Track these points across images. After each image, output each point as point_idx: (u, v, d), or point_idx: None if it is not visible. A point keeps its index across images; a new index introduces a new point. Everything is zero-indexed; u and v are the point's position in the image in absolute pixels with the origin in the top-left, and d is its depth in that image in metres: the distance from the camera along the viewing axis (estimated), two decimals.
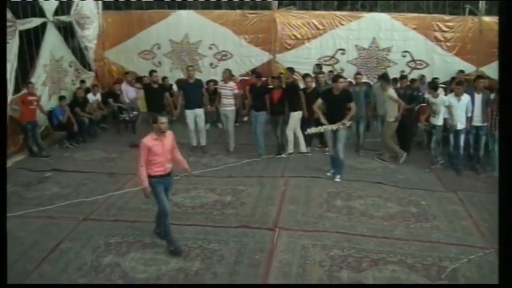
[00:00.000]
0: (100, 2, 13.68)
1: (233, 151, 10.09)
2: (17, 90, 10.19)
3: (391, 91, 9.14)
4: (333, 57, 12.74)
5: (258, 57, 13.22)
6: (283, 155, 9.69)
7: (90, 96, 11.82)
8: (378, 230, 6.48)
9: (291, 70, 11.34)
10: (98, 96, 12.16)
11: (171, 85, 12.47)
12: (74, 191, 8.08)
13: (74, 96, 11.47)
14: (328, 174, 8.51)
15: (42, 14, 11.15)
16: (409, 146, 9.51)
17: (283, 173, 8.74)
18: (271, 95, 9.53)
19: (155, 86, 10.05)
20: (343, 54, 12.66)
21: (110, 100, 12.11)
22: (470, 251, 5.87)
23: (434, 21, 12.04)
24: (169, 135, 6.05)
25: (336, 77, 8.44)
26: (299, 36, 12.91)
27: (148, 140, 5.79)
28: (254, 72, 10.51)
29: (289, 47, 13.05)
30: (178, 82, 12.46)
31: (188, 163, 9.01)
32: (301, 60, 12.87)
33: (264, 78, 10.28)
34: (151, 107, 9.98)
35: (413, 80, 10.22)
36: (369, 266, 5.57)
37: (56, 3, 11.69)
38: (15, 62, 10.08)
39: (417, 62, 12.24)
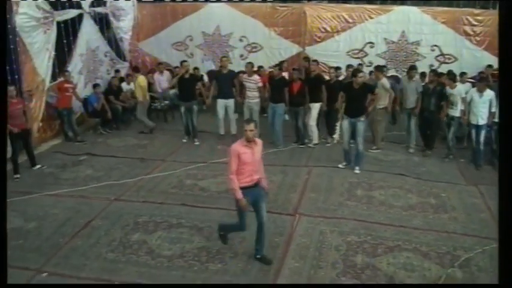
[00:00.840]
0: None
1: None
2: (54, 78, 10.72)
3: (385, 80, 9.49)
4: (361, 50, 12.81)
5: (288, 49, 13.38)
6: (310, 145, 9.92)
7: (124, 85, 12.25)
8: (395, 219, 6.69)
9: (315, 62, 11.44)
10: (132, 86, 12.59)
11: (202, 75, 12.81)
12: (106, 174, 8.56)
13: (109, 85, 11.94)
14: (340, 166, 8.69)
15: (78, 5, 11.63)
16: (433, 141, 9.57)
17: (307, 163, 8.99)
18: (291, 87, 9.73)
19: (186, 76, 10.40)
20: (372, 47, 12.71)
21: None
22: (485, 242, 6.01)
23: (463, 15, 11.94)
24: (259, 144, 5.56)
25: (355, 71, 8.67)
26: (329, 29, 13.01)
27: (239, 146, 5.34)
28: (277, 64, 10.69)
29: (318, 40, 13.16)
30: (210, 73, 12.84)
31: (216, 152, 9.56)
32: (330, 53, 12.99)
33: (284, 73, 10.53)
34: (182, 96, 10.36)
35: (441, 74, 10.26)
36: (384, 252, 5.80)
37: None
38: (53, 51, 10.64)
39: (446, 56, 12.20)
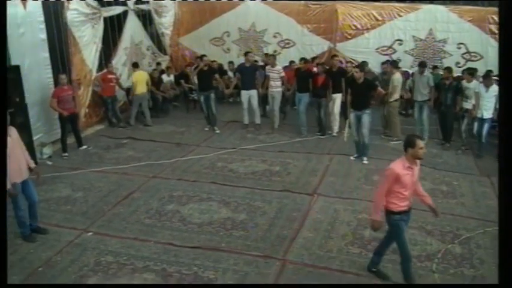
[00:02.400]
0: None
1: (277, 129, 11.17)
2: (100, 68, 11.67)
3: (398, 75, 10.07)
4: (390, 47, 13.28)
5: (319, 45, 13.96)
6: (333, 134, 10.54)
7: (164, 76, 13.13)
8: None
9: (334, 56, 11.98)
10: (172, 78, 13.46)
11: (220, 67, 13.67)
12: (145, 155, 9.45)
13: (150, 76, 12.81)
14: (352, 158, 9.20)
15: (124, 2, 12.57)
16: (450, 134, 10.05)
17: (330, 151, 9.61)
18: (315, 79, 10.38)
19: (205, 68, 11.13)
20: (400, 44, 13.15)
21: (182, 81, 13.33)
22: (488, 225, 6.49)
23: (489, 14, 12.18)
24: (418, 163, 4.98)
25: (357, 67, 9.36)
26: (359, 26, 13.52)
27: (399, 167, 4.77)
28: (303, 58, 11.38)
29: (349, 37, 13.70)
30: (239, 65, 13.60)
31: (246, 139, 10.30)
32: (360, 49, 13.51)
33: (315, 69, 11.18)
34: (201, 87, 11.16)
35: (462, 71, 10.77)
36: None
37: None
38: (100, 44, 11.62)
39: (472, 54, 12.53)
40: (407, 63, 12.71)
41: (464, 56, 12.61)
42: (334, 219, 6.66)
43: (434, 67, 11.59)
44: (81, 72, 10.98)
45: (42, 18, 9.81)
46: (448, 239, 6.18)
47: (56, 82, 9.94)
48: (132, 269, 5.48)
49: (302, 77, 10.67)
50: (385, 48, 13.37)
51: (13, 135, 5.91)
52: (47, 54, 10.01)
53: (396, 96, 10.15)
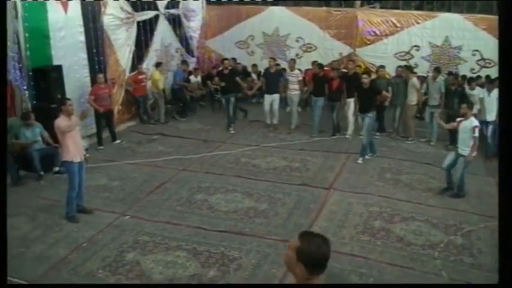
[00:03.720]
0: None
1: (295, 128, 11.82)
2: (133, 69, 12.46)
3: (415, 79, 10.70)
4: (408, 53, 13.80)
5: (340, 50, 14.57)
6: (346, 136, 11.13)
7: (192, 77, 13.88)
8: (414, 197, 7.87)
9: (353, 61, 12.57)
10: (199, 78, 14.21)
11: (244, 69, 14.46)
12: (175, 150, 10.23)
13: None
14: (366, 157, 9.71)
15: (155, 7, 13.37)
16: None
17: (347, 150, 10.24)
18: (330, 84, 11.01)
19: (226, 71, 11.84)
20: (417, 50, 13.67)
21: (208, 82, 14.06)
22: (490, 221, 7.01)
23: None
24: None
25: (362, 73, 10.07)
26: (378, 32, 14.09)
27: None
28: (318, 63, 12.11)
29: (368, 42, 14.27)
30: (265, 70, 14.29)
31: (268, 137, 11.00)
32: (378, 54, 14.07)
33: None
34: (222, 89, 11.82)
35: (463, 77, 11.42)
36: (399, 221, 7.04)
37: None
38: (133, 47, 12.44)
39: (486, 60, 12.95)
40: (424, 69, 13.21)
41: (479, 62, 13.06)
42: (348, 211, 7.31)
43: (450, 73, 12.08)
44: (116, 73, 11.79)
45: (81, 22, 10.61)
46: (451, 231, 6.78)
47: (93, 81, 10.78)
48: (166, 248, 6.24)
49: (318, 81, 11.34)
50: (403, 53, 13.88)
51: (74, 122, 6.94)
52: (85, 55, 10.82)
53: (414, 100, 10.74)
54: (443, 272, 5.78)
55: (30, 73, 9.43)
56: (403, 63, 13.31)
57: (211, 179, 8.55)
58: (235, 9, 15.59)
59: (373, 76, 11.39)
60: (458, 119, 7.90)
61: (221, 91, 11.97)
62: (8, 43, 9.27)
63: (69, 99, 7.35)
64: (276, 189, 8.06)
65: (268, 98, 11.77)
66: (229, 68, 12.11)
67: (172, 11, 14.13)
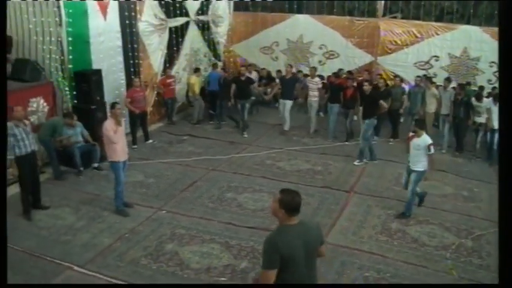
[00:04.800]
0: (232, 4, 16.43)
1: (313, 133, 12.43)
2: (165, 73, 13.13)
3: (434, 89, 11.29)
4: (427, 62, 14.26)
5: (361, 58, 15.05)
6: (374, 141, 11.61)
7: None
8: (430, 202, 8.36)
9: (368, 72, 13.34)
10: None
11: (268, 74, 15.20)
12: (204, 151, 10.91)
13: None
14: (364, 161, 10.31)
15: (186, 14, 14.05)
16: (462, 144, 11.15)
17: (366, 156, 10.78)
18: (345, 92, 11.58)
19: (242, 78, 12.47)
20: (436, 60, 14.12)
21: (233, 85, 14.67)
22: None
23: None
24: None
25: (366, 81, 10.71)
26: (399, 42, 14.56)
27: None
28: (335, 73, 12.84)
29: (389, 51, 14.76)
30: (281, 76, 14.89)
31: (291, 141, 11.59)
32: (399, 63, 14.56)
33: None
34: (239, 95, 12.40)
35: (480, 87, 11.96)
36: (414, 224, 7.60)
37: (198, 5, 14.54)
38: (165, 51, 13.14)
39: None
40: (442, 78, 13.66)
41: (496, 74, 13.41)
42: (367, 213, 7.89)
43: (467, 83, 12.51)
44: (148, 76, 12.51)
45: (118, 28, 11.31)
46: (463, 234, 7.31)
47: (128, 84, 11.50)
48: (201, 240, 6.90)
49: (334, 89, 11.98)
50: (423, 63, 14.34)
51: (120, 123, 7.63)
52: (121, 59, 11.52)
53: (433, 108, 11.26)
54: (453, 271, 6.32)
55: (72, 76, 10.17)
56: (423, 72, 13.82)
57: (239, 179, 9.19)
58: (261, 17, 16.23)
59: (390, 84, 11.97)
60: (410, 134, 7.91)
61: (237, 96, 12.51)
62: (52, 47, 10.10)
63: (118, 103, 8.02)
64: (300, 190, 8.38)
65: (282, 103, 12.39)
66: (245, 75, 12.72)
67: (202, 17, 14.79)
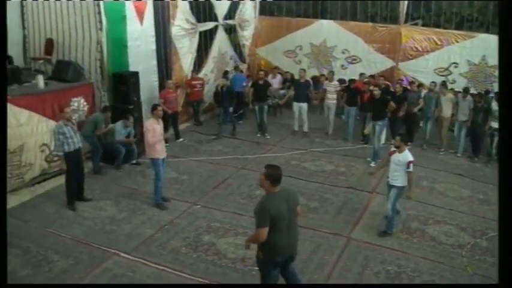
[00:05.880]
0: (257, 8, 17.03)
1: (331, 134, 13.03)
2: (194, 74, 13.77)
3: (450, 95, 11.78)
4: (447, 69, 14.66)
5: (383, 63, 15.52)
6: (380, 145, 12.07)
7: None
8: (447, 204, 8.91)
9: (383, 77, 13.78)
10: (250, 84, 15.44)
11: (292, 77, 15.55)
12: (232, 150, 11.55)
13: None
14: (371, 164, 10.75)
15: (215, 18, 14.69)
16: (479, 150, 11.56)
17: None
18: (362, 96, 12.12)
19: (260, 82, 13.04)
20: (456, 67, 14.50)
21: (251, 89, 15.07)
22: None
23: None
24: None
25: (376, 86, 11.29)
26: (420, 48, 14.98)
27: None
28: (362, 74, 13.55)
29: (410, 57, 15.20)
30: (313, 78, 15.42)
31: (315, 143, 12.13)
32: (419, 69, 14.99)
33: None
34: (256, 98, 12.97)
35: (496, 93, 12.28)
36: (433, 223, 8.12)
37: (226, 9, 15.16)
38: (195, 54, 13.79)
39: None
40: (461, 85, 14.02)
41: None
42: None
43: (487, 92, 12.90)
44: (179, 78, 13.17)
45: (153, 33, 11.95)
46: (478, 235, 7.81)
47: (161, 85, 12.16)
48: (235, 233, 7.54)
49: (350, 93, 12.52)
50: (442, 69, 14.73)
51: (160, 124, 8.34)
52: (155, 62, 12.17)
53: (449, 113, 11.76)
54: (468, 268, 6.84)
55: (111, 77, 10.85)
56: (442, 78, 14.20)
57: None
58: (285, 21, 16.79)
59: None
60: (392, 149, 7.82)
61: (255, 99, 13.03)
62: (92, 50, 10.82)
63: (159, 104, 8.68)
64: (325, 190, 9.26)
65: (296, 106, 12.91)
66: (264, 79, 13.34)
67: (229, 21, 15.41)
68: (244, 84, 14.30)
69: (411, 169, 7.44)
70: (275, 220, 4.74)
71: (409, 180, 7.52)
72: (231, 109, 12.56)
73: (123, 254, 6.99)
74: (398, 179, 7.53)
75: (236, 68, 15.00)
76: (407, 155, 7.47)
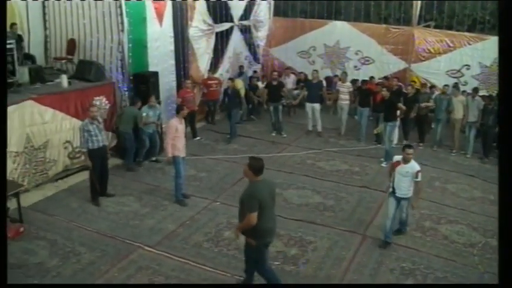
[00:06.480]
0: (272, 9, 17.31)
1: (344, 134, 13.26)
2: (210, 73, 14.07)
3: (461, 97, 12.01)
4: (459, 71, 14.81)
5: (396, 64, 15.70)
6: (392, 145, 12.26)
7: (259, 83, 15.37)
8: (459, 204, 9.15)
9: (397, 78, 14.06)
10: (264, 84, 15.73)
11: (306, 78, 15.56)
12: (248, 149, 11.85)
13: (250, 82, 15.03)
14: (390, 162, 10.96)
15: (231, 19, 14.98)
16: (489, 151, 11.75)
17: None
18: (375, 96, 12.34)
19: (274, 83, 13.31)
20: (468, 69, 14.66)
21: (251, 92, 14.96)
22: None
23: None
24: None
25: (385, 87, 11.60)
26: (432, 50, 15.20)
27: None
28: (364, 80, 13.57)
29: (423, 59, 15.39)
30: (327, 78, 15.69)
31: (329, 143, 12.39)
32: (431, 71, 15.19)
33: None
34: (271, 98, 13.23)
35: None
36: (445, 223, 8.37)
37: (242, 10, 15.46)
38: (211, 54, 14.09)
39: None
40: (472, 87, 14.25)
41: None
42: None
43: (489, 95, 13.01)
44: (196, 78, 13.46)
45: (172, 34, 12.26)
46: (489, 234, 8.02)
47: (178, 85, 12.47)
48: None
49: (363, 93, 12.78)
50: (454, 71, 14.90)
51: (183, 124, 8.71)
52: (173, 62, 12.47)
53: (460, 115, 11.97)
54: (479, 266, 7.08)
55: (131, 77, 11.17)
56: (454, 80, 14.40)
57: (283, 176, 10.07)
58: (299, 22, 17.07)
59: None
60: (395, 160, 7.56)
61: (269, 100, 13.29)
62: (114, 51, 11.13)
63: (184, 106, 9.03)
64: (340, 189, 9.53)
65: (309, 107, 13.18)
66: (277, 79, 13.62)
67: (244, 22, 15.70)
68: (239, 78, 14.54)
69: (419, 178, 7.31)
70: (262, 205, 5.44)
71: (418, 189, 7.43)
72: (235, 112, 12.69)
73: (147, 248, 7.31)
74: (406, 190, 7.35)
75: (255, 72, 15.33)
76: (414, 165, 7.29)
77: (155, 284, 6.49)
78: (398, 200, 7.39)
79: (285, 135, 13.03)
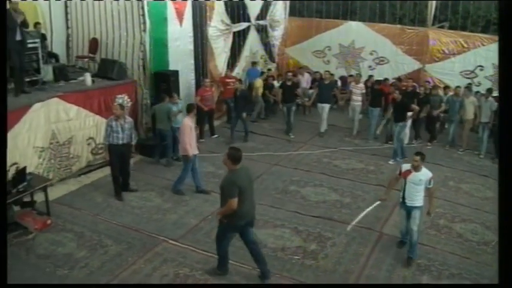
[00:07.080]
0: (288, 9, 17.55)
1: (356, 134, 13.42)
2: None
3: (472, 98, 12.18)
4: (472, 72, 14.92)
5: (410, 65, 15.85)
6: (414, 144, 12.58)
7: (275, 82, 15.58)
8: (473, 203, 9.35)
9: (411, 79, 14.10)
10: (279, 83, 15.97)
11: (321, 77, 15.41)
12: (265, 147, 12.14)
13: (266, 81, 15.26)
14: (397, 160, 11.22)
15: (248, 19, 15.24)
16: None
17: None
18: (386, 97, 12.53)
19: (288, 83, 13.51)
20: (481, 70, 14.76)
21: (266, 92, 15.03)
22: None
23: None
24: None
25: (398, 89, 11.81)
26: (446, 51, 15.33)
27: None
28: (378, 81, 13.76)
29: (437, 59, 15.52)
30: (342, 78, 15.91)
31: (344, 142, 12.63)
32: (445, 71, 15.33)
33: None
34: (285, 99, 13.45)
35: None
36: (459, 221, 8.58)
37: (258, 10, 15.71)
38: (228, 54, 14.37)
39: None
40: (486, 88, 14.37)
41: None
42: None
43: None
44: (214, 76, 13.74)
45: (191, 33, 12.58)
46: None
47: (197, 83, 12.75)
48: (273, 225, 8.10)
49: (375, 94, 12.98)
50: (468, 72, 15.00)
51: (194, 122, 9.21)
52: (192, 61, 12.81)
53: (471, 116, 12.15)
54: (494, 264, 7.30)
55: (152, 75, 11.48)
56: (468, 81, 14.55)
57: (300, 174, 10.34)
58: (315, 22, 17.27)
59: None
60: (405, 169, 7.30)
61: (283, 100, 13.51)
62: (136, 50, 11.44)
63: (195, 104, 9.47)
64: (356, 187, 9.77)
65: (320, 106, 13.35)
66: (292, 80, 13.74)
67: (261, 22, 15.96)
68: (258, 78, 14.73)
69: (432, 184, 7.18)
70: (241, 191, 5.98)
71: (431, 194, 7.29)
72: (244, 114, 12.66)
73: (171, 241, 7.61)
74: (419, 199, 7.13)
75: (254, 63, 15.58)
76: (426, 172, 7.10)
77: (155, 284, 6.66)
78: (409, 210, 7.20)
79: (292, 136, 13.17)
